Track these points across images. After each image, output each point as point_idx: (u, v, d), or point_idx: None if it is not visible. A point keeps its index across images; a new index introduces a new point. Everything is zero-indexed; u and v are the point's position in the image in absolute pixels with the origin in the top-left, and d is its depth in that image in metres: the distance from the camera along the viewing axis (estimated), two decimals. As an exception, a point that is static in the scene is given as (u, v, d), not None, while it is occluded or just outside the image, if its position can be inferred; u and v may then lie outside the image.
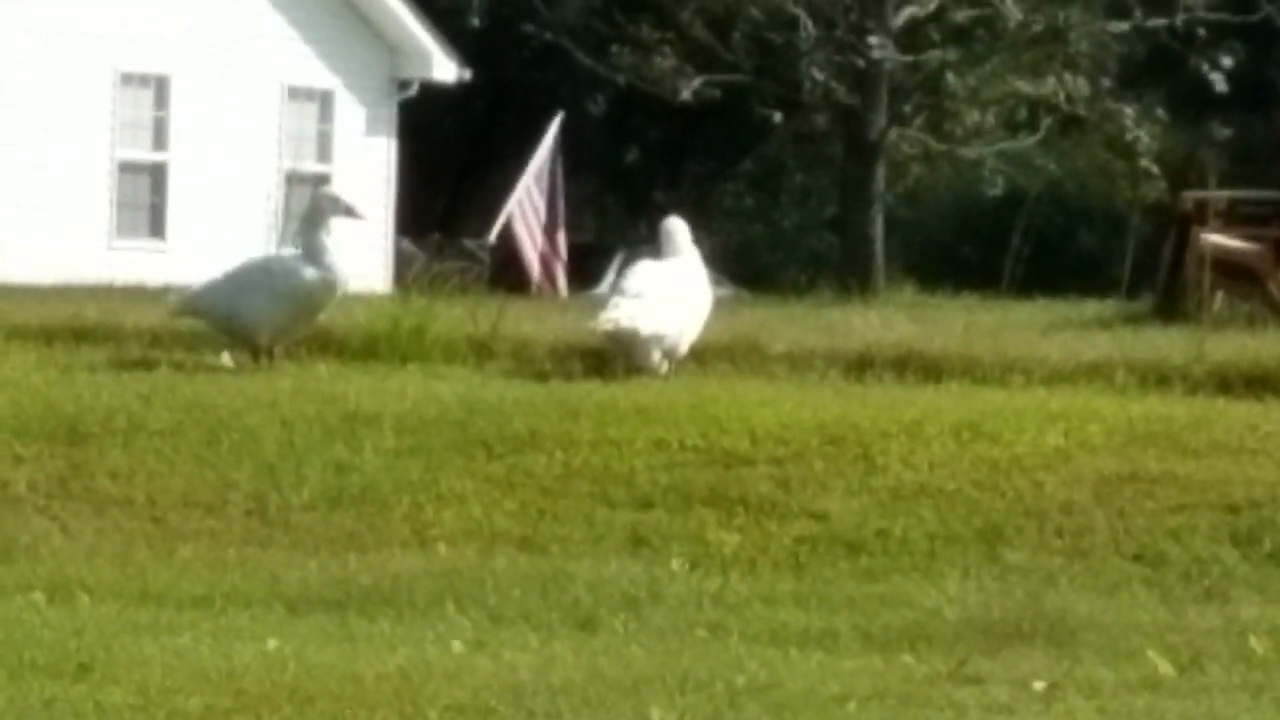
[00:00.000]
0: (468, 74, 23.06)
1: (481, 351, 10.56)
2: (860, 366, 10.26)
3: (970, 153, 23.54)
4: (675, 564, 8.09)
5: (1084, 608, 7.48)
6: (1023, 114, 22.73)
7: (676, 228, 10.01)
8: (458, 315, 11.11)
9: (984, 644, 6.94)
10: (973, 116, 21.86)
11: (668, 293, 9.55)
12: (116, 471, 8.82)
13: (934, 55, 21.99)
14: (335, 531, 8.47)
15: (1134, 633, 7.10)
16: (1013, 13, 21.71)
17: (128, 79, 21.05)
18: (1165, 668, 6.50)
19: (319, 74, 21.90)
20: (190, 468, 8.88)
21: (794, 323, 13.46)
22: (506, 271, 19.32)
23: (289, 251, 11.89)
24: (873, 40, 20.56)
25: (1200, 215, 14.52)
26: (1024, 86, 21.35)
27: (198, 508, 8.78)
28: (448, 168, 23.83)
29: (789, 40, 21.22)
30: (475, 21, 23.23)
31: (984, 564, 8.24)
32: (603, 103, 23.92)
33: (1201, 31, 21.83)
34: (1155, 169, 21.03)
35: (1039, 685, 6.06)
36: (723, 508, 8.54)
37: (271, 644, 6.47)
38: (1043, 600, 7.56)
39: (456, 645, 6.67)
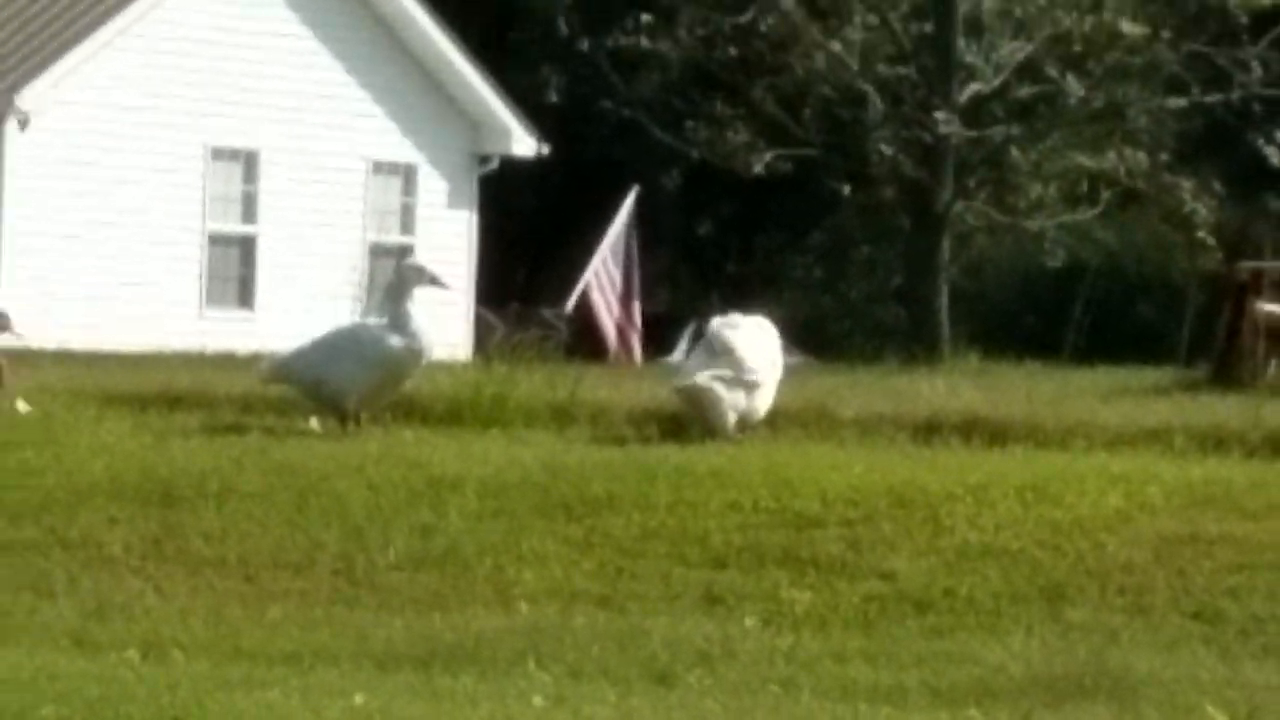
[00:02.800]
0: (546, 149, 23.31)
1: (561, 417, 10.78)
2: (928, 431, 10.42)
3: (1032, 225, 24.20)
4: (748, 622, 8.05)
5: (1144, 664, 7.61)
6: (1083, 187, 23.39)
7: (749, 326, 10.28)
8: (537, 382, 11.30)
9: (1047, 699, 7.07)
10: (1035, 190, 22.46)
11: (757, 338, 9.84)
12: (209, 533, 8.98)
13: (998, 130, 22.75)
14: (420, 591, 8.58)
15: (1193, 688, 7.17)
16: (1074, 89, 22.24)
17: (218, 154, 21.75)
18: None
19: (403, 149, 22.37)
20: (280, 529, 9.03)
21: (862, 389, 13.58)
22: (583, 340, 19.42)
23: (374, 320, 12.06)
24: (939, 116, 21.18)
25: (1256, 285, 14.62)
26: (1084, 161, 21.96)
27: (287, 568, 8.92)
28: (526, 239, 24.12)
29: (857, 116, 22.00)
30: (554, 98, 23.57)
31: (1047, 622, 8.27)
32: (677, 177, 24.30)
33: (1257, 107, 22.30)
34: (1212, 241, 21.14)
35: None
36: (794, 567, 8.61)
37: (358, 699, 6.54)
38: (1104, 657, 7.68)
39: (537, 700, 6.75)
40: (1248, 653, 7.71)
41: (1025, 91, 21.15)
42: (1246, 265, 16.06)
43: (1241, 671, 7.43)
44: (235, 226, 21.97)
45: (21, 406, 11.15)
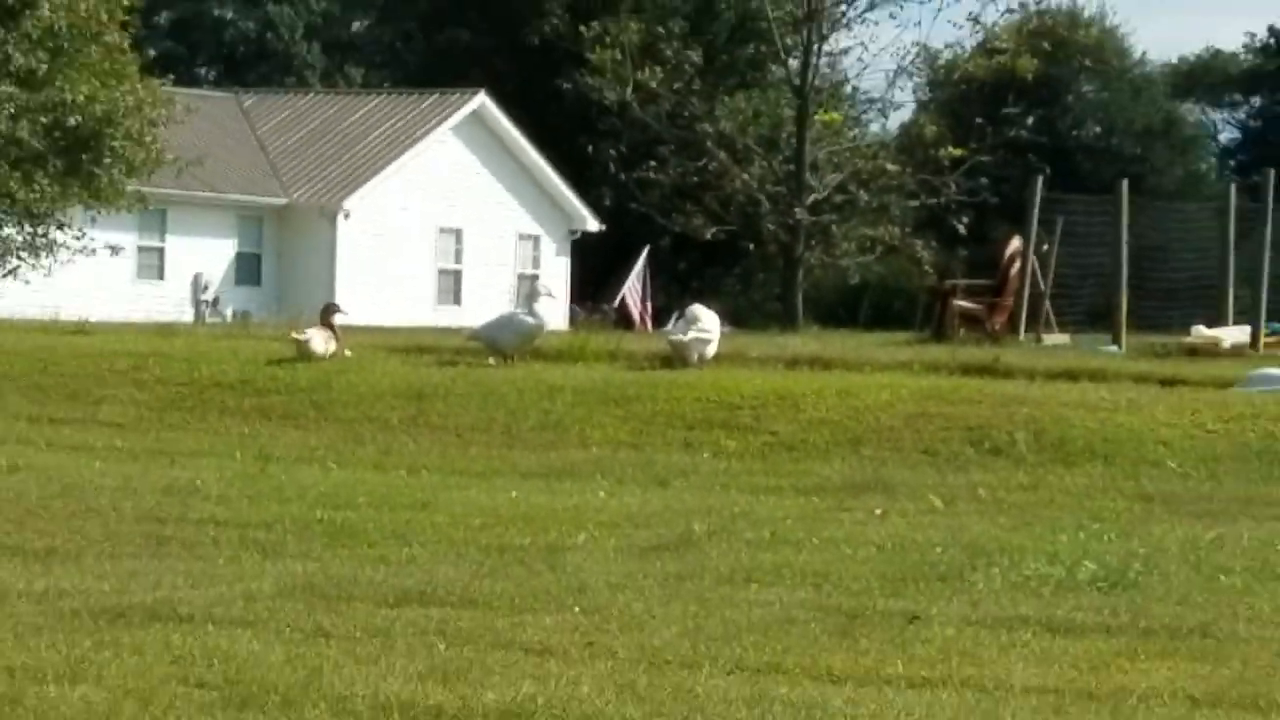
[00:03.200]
0: (603, 226, 35.30)
1: (611, 356, 16.09)
2: (793, 362, 15.75)
3: (844, 263, 35.13)
4: (704, 455, 12.37)
5: (899, 476, 11.81)
6: (868, 245, 34.24)
7: (703, 315, 15.72)
8: (599, 340, 17.22)
9: (852, 493, 11.23)
10: (845, 246, 34.13)
11: (704, 321, 15.07)
12: (440, 413, 13.91)
13: (826, 217, 32.78)
14: (542, 441, 13.13)
15: (923, 488, 11.26)
16: (863, 197, 32.52)
17: (443, 230, 33.56)
18: (938, 503, 10.70)
19: (533, 226, 34.28)
20: (475, 412, 13.95)
21: (759, 343, 19.54)
22: (621, 320, 29.30)
23: (520, 310, 17.42)
24: (797, 211, 30.69)
25: (952, 292, 21.47)
26: (869, 231, 33.76)
27: (479, 430, 13.66)
28: (593, 271, 35.35)
29: (756, 210, 31.71)
30: (606, 201, 35.51)
31: (851, 456, 12.75)
32: (669, 240, 35.90)
33: (953, 205, 31.80)
34: (931, 271, 31.01)
35: (878, 511, 10.12)
36: (727, 429, 13.30)
37: (513, 493, 10.49)
38: (880, 473, 11.97)
39: (601, 494, 10.66)
40: (910, 468, 12.47)
41: (839, 198, 32.20)
42: (947, 282, 23.46)
43: (946, 479, 11.78)
44: (451, 265, 33.92)
45: (348, 353, 15.82)
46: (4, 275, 22.30)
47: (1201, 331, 17.79)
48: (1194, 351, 16.90)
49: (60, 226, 22.61)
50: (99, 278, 26.31)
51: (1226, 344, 17.34)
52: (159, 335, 17.99)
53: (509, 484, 11.85)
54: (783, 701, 5.64)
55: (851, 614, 7.52)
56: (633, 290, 30.61)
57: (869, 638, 6.91)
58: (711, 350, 15.32)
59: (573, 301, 31.72)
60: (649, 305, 31.61)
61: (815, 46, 30.75)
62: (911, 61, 33.45)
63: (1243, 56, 53.11)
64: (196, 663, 6.28)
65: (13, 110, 21.00)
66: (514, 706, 5.46)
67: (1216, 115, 55.86)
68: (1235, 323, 19.13)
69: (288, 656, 6.35)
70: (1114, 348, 18.17)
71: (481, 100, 34.20)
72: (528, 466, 12.83)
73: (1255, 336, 18.33)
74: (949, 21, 37.04)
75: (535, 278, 29.11)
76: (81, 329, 17.82)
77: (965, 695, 5.89)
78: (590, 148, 35.99)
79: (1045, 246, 19.58)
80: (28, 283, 22.64)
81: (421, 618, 7.13)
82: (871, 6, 30.95)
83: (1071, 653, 6.90)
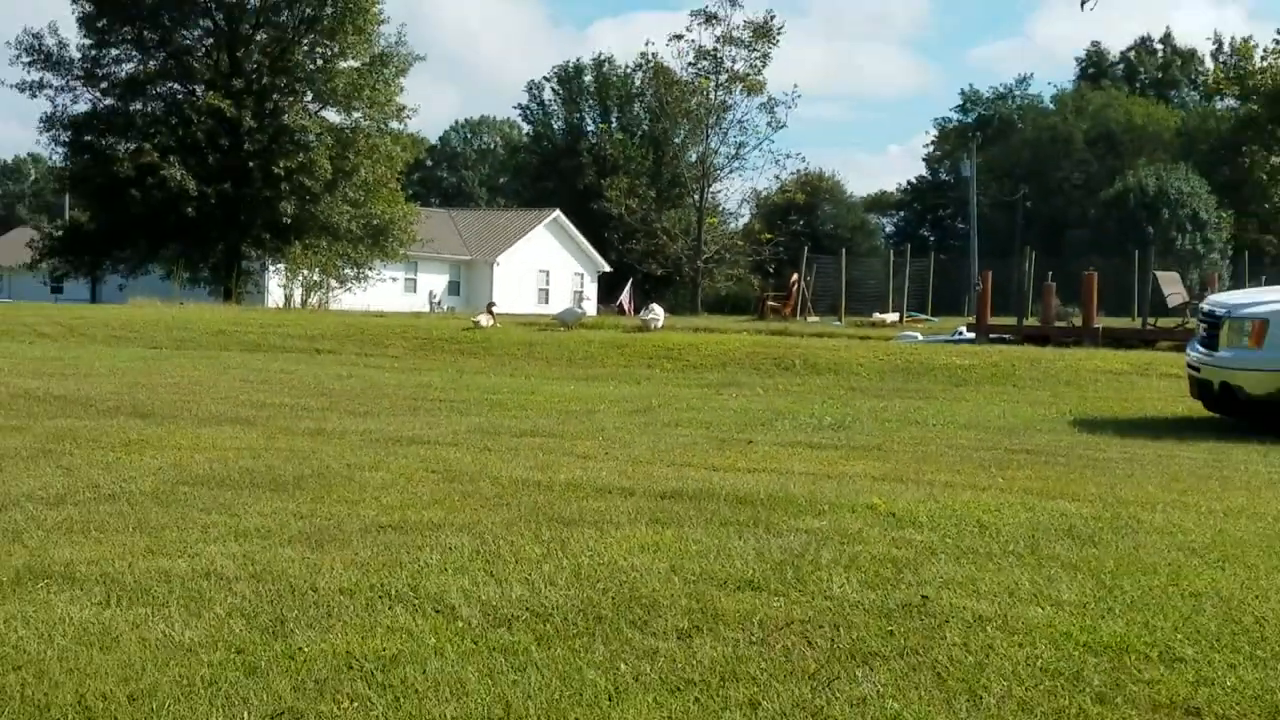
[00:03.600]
0: (612, 269, 60.27)
1: (614, 326, 27.06)
2: (696, 330, 27.21)
3: (720, 286, 62.86)
4: (665, 389, 19.47)
5: (744, 379, 20.36)
6: (730, 278, 63.17)
7: (657, 308, 26.64)
8: (611, 320, 29.12)
9: (722, 387, 18.19)
10: (720, 278, 62.34)
11: (658, 310, 26.58)
12: (537, 355, 22.34)
13: (710, 263, 55.29)
14: (586, 363, 21.93)
15: (754, 385, 18.91)
16: (726, 257, 58.16)
17: (540, 270, 58.49)
18: (761, 392, 18.87)
19: (577, 268, 58.33)
20: (556, 352, 22.65)
21: (681, 322, 29.35)
22: (621, 312, 43.30)
23: (575, 306, 30.33)
24: (699, 263, 53.82)
25: (767, 297, 34.94)
26: (730, 271, 60.92)
27: (555, 362, 21.72)
28: (608, 289, 55.54)
29: (683, 255, 55.99)
30: (613, 257, 55.90)
31: (776, 374, 21.61)
32: (641, 275, 54.70)
33: (769, 257, 55.37)
34: (758, 288, 47.61)
35: (734, 395, 16.49)
36: (667, 358, 21.82)
37: (572, 386, 19.18)
38: (735, 378, 22.22)
39: (617, 387, 19.79)
40: (748, 376, 20.16)
41: (716, 256, 53.50)
42: (765, 293, 36.59)
43: (750, 381, 19.37)
44: (544, 285, 57.77)
45: (498, 325, 25.70)
46: (345, 290, 40.64)
47: (878, 316, 32.88)
48: (874, 325, 31.47)
49: (370, 269, 42.95)
50: (386, 293, 48.21)
51: (889, 322, 32.03)
52: (413, 318, 29.12)
53: (569, 384, 17.80)
54: (692, 479, 8.53)
55: (722, 440, 10.90)
56: (627, 297, 49.43)
57: (730, 451, 10.09)
58: (660, 324, 26.28)
59: (599, 303, 53.70)
60: (633, 304, 48.90)
61: (705, 189, 53.77)
62: (748, 196, 61.72)
63: (897, 194, 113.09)
64: (431, 461, 9.45)
65: (349, 218, 40.95)
66: (572, 480, 8.47)
67: (885, 219, 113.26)
68: (894, 311, 34.43)
69: (472, 459, 9.62)
70: (839, 323, 32.67)
71: (556, 212, 63.02)
72: (577, 376, 19.31)
73: (901, 318, 33.73)
74: (770, 176, 73.00)
75: (580, 292, 56.18)
76: (380, 314, 31.19)
77: (775, 476, 8.66)
78: (606, 233, 62.97)
79: (808, 278, 35.43)
80: (354, 294, 41.77)
81: (532, 442, 10.54)
82: (731, 172, 55.23)
83: (820, 458, 10.06)
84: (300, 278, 43.86)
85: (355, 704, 4.45)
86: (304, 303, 42.97)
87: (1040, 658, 5.08)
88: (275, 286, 46.89)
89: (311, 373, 18.50)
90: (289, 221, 44.89)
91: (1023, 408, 15.99)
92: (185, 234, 45.75)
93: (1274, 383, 13.45)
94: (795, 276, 37.12)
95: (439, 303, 55.82)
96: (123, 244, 46.76)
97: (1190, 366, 14.84)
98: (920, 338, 26.47)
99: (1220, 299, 15.23)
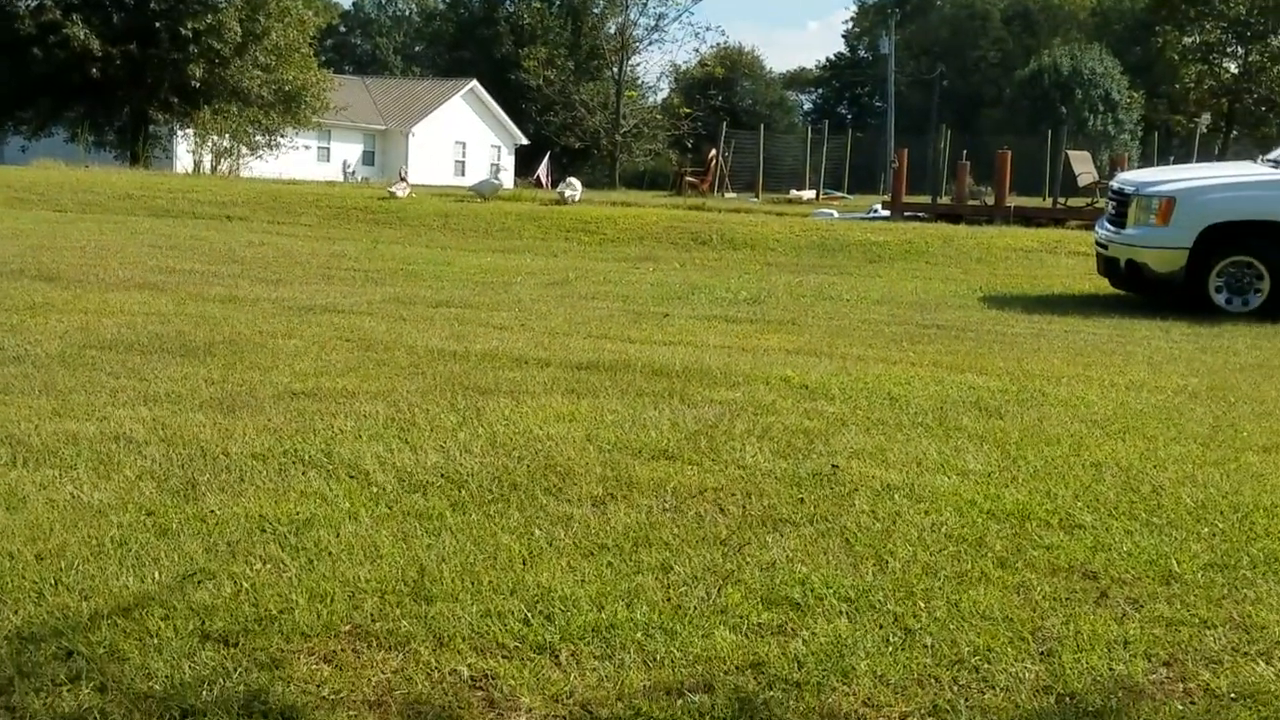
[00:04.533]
0: (529, 141, 58.22)
1: (534, 200, 26.80)
2: (614, 204, 28.04)
3: (638, 160, 60.98)
4: (574, 244, 24.69)
5: (661, 253, 20.97)
6: (649, 152, 61.25)
7: (575, 181, 27.29)
8: (529, 193, 29.25)
9: (639, 261, 18.70)
10: (638, 152, 60.44)
11: (576, 184, 27.26)
12: (456, 224, 23.36)
13: (623, 135, 56.72)
14: (501, 236, 23.27)
15: (671, 259, 19.42)
16: (645, 131, 54.83)
17: (457, 142, 56.65)
18: (678, 266, 18.92)
19: (494, 140, 56.03)
20: (471, 222, 22.78)
21: (599, 196, 30.06)
22: (540, 186, 42.53)
23: (490, 179, 30.42)
24: (617, 137, 53.09)
25: (684, 173, 35.31)
26: (649, 146, 62.28)
27: (474, 232, 22.56)
28: (525, 162, 53.77)
29: (601, 127, 55.37)
30: (531, 130, 54.69)
31: (639, 243, 21.22)
32: (559, 148, 53.61)
33: (688, 132, 53.40)
34: (675, 164, 46.93)
35: (651, 268, 17.23)
36: (584, 231, 21.68)
37: (489, 259, 20.70)
38: (653, 252, 22.40)
39: (574, 260, 26.11)
40: (665, 250, 20.43)
41: (634, 130, 55.03)
42: (683, 169, 37.03)
43: (667, 255, 19.85)
44: (460, 157, 56.05)
45: (413, 195, 25.75)
46: (256, 158, 39.54)
47: (795, 193, 33.19)
48: (791, 202, 31.87)
49: (281, 137, 41.35)
50: (299, 162, 46.73)
51: (806, 198, 32.42)
52: (327, 186, 29.08)
53: (485, 256, 17.80)
54: (608, 351, 8.71)
55: (638, 313, 11.13)
56: (544, 170, 47.00)
57: (646, 324, 10.32)
58: (577, 198, 26.08)
59: (516, 176, 52.26)
60: (551, 178, 47.95)
61: (624, 61, 53.71)
62: (667, 70, 59.79)
63: (816, 71, 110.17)
64: (345, 330, 9.56)
65: (259, 83, 39.31)
66: (489, 351, 8.61)
67: (803, 96, 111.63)
68: (810, 188, 34.80)
69: (387, 328, 9.72)
70: (756, 199, 32.97)
71: (473, 83, 60.63)
72: (494, 248, 19.33)
73: (818, 195, 34.05)
74: (689, 50, 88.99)
75: (497, 164, 55.04)
76: (293, 183, 31.36)
77: (690, 349, 9.08)
78: (523, 105, 61.82)
79: (726, 154, 35.44)
80: (266, 162, 40.56)
81: (449, 312, 10.69)
82: (650, 45, 55.67)
83: (735, 331, 10.32)
84: (210, 143, 43.15)
85: (268, 566, 4.52)
86: (214, 169, 42.34)
87: (945, 524, 5.23)
88: (184, 152, 46.11)
89: (223, 239, 18.41)
90: (197, 85, 44.07)
91: (935, 284, 16.31)
92: (90, 96, 44.73)
93: (1179, 260, 13.74)
94: (713, 152, 37.12)
95: (353, 172, 54.45)
96: (24, 105, 45.64)
97: (1098, 244, 15.10)
98: (836, 215, 26.85)
99: (1129, 177, 15.45)
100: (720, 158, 36.32)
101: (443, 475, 5.65)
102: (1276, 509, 5.60)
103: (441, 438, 6.29)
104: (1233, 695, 3.74)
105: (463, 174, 57.16)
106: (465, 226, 22.66)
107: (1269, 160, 14.76)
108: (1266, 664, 3.96)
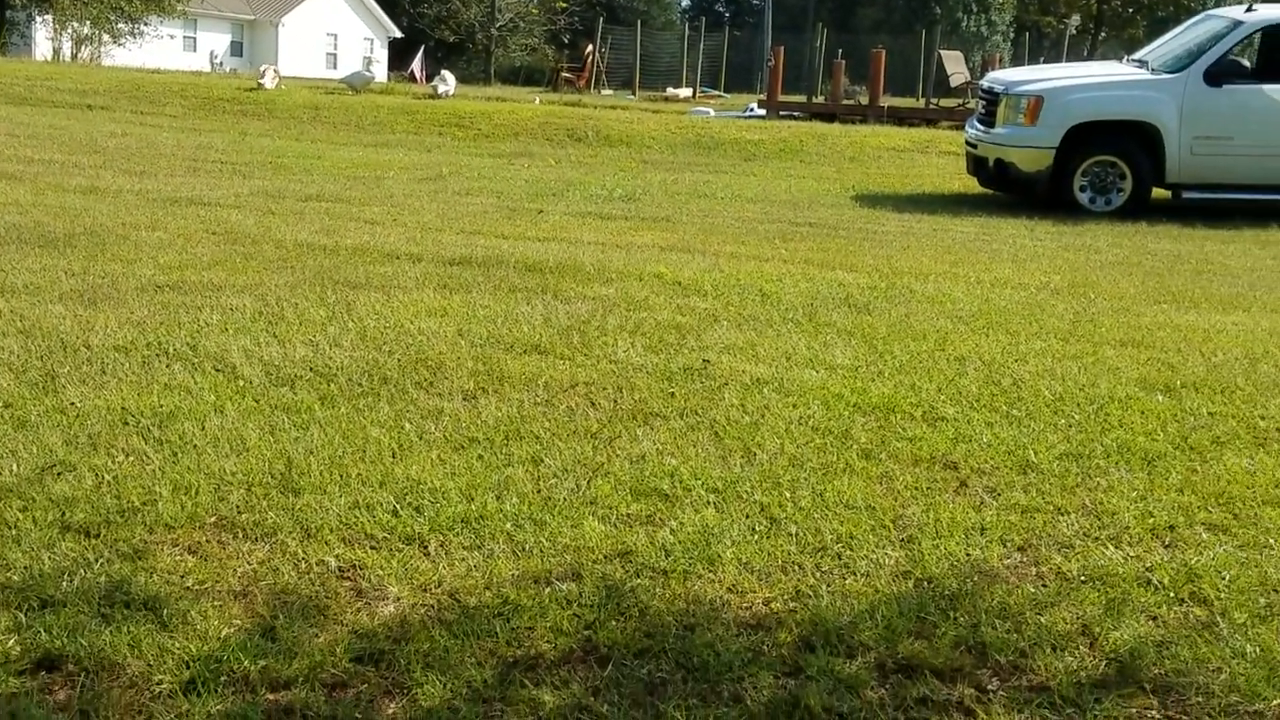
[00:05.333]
0: (403, 34, 56.41)
1: (407, 93, 26.83)
2: (477, 98, 29.18)
3: (514, 56, 57.22)
4: (449, 139, 24.75)
5: (536, 149, 22.02)
6: (524, 48, 58.07)
7: (449, 75, 27.67)
8: (402, 87, 28.86)
9: (514, 158, 19.24)
10: (514, 47, 56.38)
11: (450, 78, 27.80)
12: (327, 116, 25.13)
13: (504, 33, 54.40)
14: (372, 130, 23.77)
15: (546, 155, 19.43)
16: (521, 25, 54.08)
17: (329, 34, 54.84)
18: (553, 163, 21.52)
19: (367, 32, 53.84)
20: (343, 115, 23.58)
21: (474, 92, 30.68)
22: (411, 80, 41.65)
23: (362, 71, 29.37)
24: (491, 29, 49.72)
25: (561, 69, 36.18)
26: (525, 41, 58.32)
27: (345, 125, 24.33)
28: (399, 55, 52.39)
29: (538, 48, 51.49)
30: (405, 22, 52.82)
31: (514, 139, 25.32)
32: (434, 42, 53.60)
33: (564, 27, 52.52)
34: (552, 59, 47.60)
35: (525, 165, 19.35)
36: (458, 126, 22.63)
37: (359, 153, 22.79)
38: (528, 148, 23.76)
39: (400, 154, 26.07)
40: (540, 146, 20.65)
41: (510, 25, 53.82)
42: (560, 65, 36.90)
43: (542, 151, 20.25)
44: (332, 50, 53.99)
45: (283, 86, 25.25)
46: (119, 46, 37.67)
47: (672, 90, 33.19)
48: (668, 99, 31.89)
49: (145, 24, 39.42)
50: (164, 51, 44.34)
51: (682, 96, 32.45)
52: (194, 77, 28.58)
53: (356, 150, 17.97)
54: (481, 246, 8.93)
55: (512, 209, 11.30)
56: (418, 64, 46.14)
57: (520, 220, 10.43)
58: (451, 91, 26.37)
59: (390, 69, 50.58)
60: (425, 72, 47.26)
61: None
62: None
63: None
64: (211, 223, 9.57)
65: None
66: (359, 246, 8.75)
67: None
68: (687, 86, 34.81)
69: (255, 221, 9.68)
70: (632, 97, 32.98)
71: None
72: (365, 142, 19.71)
73: (695, 93, 34.08)
74: None
75: (370, 57, 51.55)
76: (157, 72, 30.56)
77: (564, 245, 9.19)
78: None
79: (603, 50, 35.15)
80: (129, 51, 38.71)
81: (319, 207, 10.76)
82: None
83: (610, 228, 10.48)
84: (70, 30, 41.70)
85: (130, 458, 4.47)
86: (74, 57, 40.97)
87: (812, 417, 5.32)
88: (43, 39, 44.54)
89: (84, 129, 18.05)
90: (57, -32, 42.62)
91: (808, 183, 16.52)
92: (-60, -22, 42.95)
93: (1045, 160, 13.98)
94: (590, 48, 36.88)
95: (220, 63, 52.77)
96: None
97: (968, 144, 15.30)
98: (712, 113, 27.00)
99: (999, 76, 15.64)
100: (597, 54, 36.10)
101: (311, 369, 5.61)
102: (1130, 401, 5.78)
103: (310, 332, 6.23)
104: (1083, 578, 3.85)
105: (334, 66, 55.19)
106: (336, 120, 22.28)
107: (1134, 60, 14.98)
108: (1116, 548, 4.09)
